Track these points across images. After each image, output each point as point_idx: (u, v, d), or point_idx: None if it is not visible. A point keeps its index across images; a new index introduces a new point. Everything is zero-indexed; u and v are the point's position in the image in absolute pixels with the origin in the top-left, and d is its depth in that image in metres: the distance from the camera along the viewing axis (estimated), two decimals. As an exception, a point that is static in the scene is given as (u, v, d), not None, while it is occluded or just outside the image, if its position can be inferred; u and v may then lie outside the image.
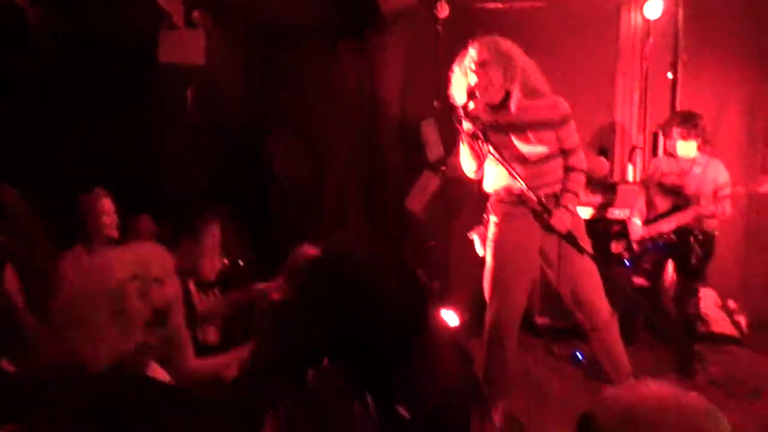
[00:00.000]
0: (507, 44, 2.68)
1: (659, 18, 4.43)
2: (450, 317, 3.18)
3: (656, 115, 4.68)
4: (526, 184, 2.62)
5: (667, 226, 3.49)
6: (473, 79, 2.64)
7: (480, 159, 2.74)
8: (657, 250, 3.54)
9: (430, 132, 4.29)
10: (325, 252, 1.14)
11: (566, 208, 2.70)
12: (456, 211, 4.33)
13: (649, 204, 3.64)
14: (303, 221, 4.23)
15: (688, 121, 3.44)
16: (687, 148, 3.44)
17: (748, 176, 4.31)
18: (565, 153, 2.76)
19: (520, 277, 2.79)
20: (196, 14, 3.94)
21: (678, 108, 4.52)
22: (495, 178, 2.82)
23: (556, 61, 3.88)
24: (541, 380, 3.51)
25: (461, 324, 3.45)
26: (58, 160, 3.72)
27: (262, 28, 4.47)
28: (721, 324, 4.15)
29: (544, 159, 2.72)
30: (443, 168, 4.27)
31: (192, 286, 2.78)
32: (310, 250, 2.13)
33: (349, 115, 4.60)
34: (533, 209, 2.72)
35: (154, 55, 3.86)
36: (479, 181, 2.95)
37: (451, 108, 2.74)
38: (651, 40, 4.55)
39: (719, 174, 3.47)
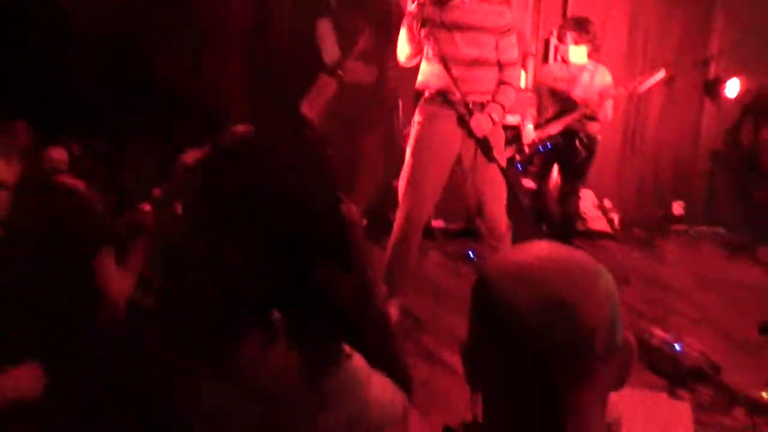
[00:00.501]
0: None
1: None
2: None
3: (548, 22, 4.78)
4: (460, 87, 2.65)
5: (555, 129, 3.65)
6: None
7: (416, 46, 2.73)
8: (545, 152, 3.71)
9: (325, 33, 4.09)
10: (215, 149, 1.02)
11: (489, 115, 2.74)
12: (354, 117, 4.26)
13: (540, 109, 3.78)
14: (184, 125, 3.93)
15: (581, 27, 3.54)
16: (578, 53, 3.56)
17: (629, 82, 4.56)
18: (501, 65, 2.79)
19: (434, 178, 2.85)
20: None
21: (569, 15, 4.63)
22: (427, 76, 2.81)
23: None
24: (436, 278, 3.68)
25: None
26: None
27: None
28: (597, 222, 4.52)
29: (479, 65, 2.74)
30: (340, 72, 4.13)
31: None
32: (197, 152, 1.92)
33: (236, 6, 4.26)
34: (457, 112, 2.74)
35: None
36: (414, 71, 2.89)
37: None
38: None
39: (605, 79, 3.64)
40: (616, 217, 4.59)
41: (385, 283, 2.88)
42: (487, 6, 2.73)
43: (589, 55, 3.63)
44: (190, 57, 4.19)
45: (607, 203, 4.63)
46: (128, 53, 3.99)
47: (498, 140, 2.89)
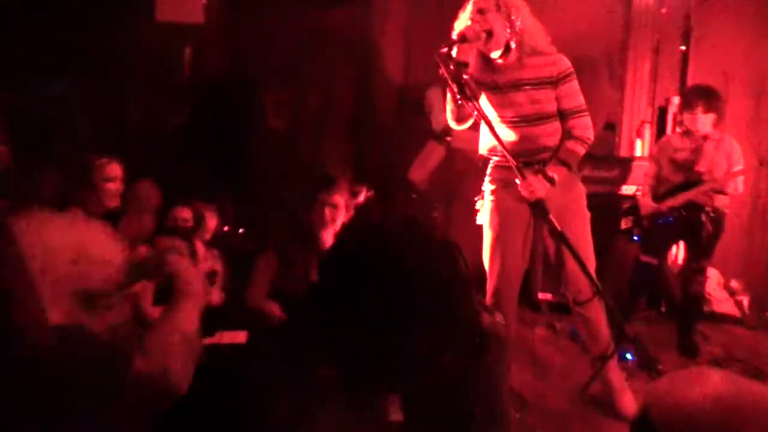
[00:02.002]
0: None
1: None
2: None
3: (664, 89, 4.59)
4: (524, 147, 2.49)
5: (678, 201, 3.41)
6: (469, 25, 2.44)
7: (457, 110, 2.53)
8: (667, 226, 3.46)
9: (435, 100, 4.16)
10: (349, 235, 1.01)
11: (544, 175, 2.49)
12: (460, 182, 4.23)
13: (661, 180, 3.56)
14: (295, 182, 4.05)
15: (710, 96, 3.36)
16: (705, 123, 3.35)
17: (757, 152, 4.23)
18: (563, 115, 2.56)
19: (516, 246, 2.65)
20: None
21: (688, 82, 4.42)
22: (489, 139, 2.62)
23: (562, 29, 3.74)
24: (542, 355, 3.46)
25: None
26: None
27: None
28: (723, 304, 4.11)
29: (542, 119, 2.55)
30: (448, 138, 4.16)
31: (200, 245, 2.73)
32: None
33: (344, 72, 4.44)
34: (508, 177, 2.52)
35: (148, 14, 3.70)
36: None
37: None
38: (664, 10, 4.42)
39: (733, 150, 3.40)
40: (745, 300, 4.16)
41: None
42: (538, 58, 2.50)
43: (714, 125, 3.42)
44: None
45: (735, 284, 4.22)
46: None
47: (573, 201, 2.63)
